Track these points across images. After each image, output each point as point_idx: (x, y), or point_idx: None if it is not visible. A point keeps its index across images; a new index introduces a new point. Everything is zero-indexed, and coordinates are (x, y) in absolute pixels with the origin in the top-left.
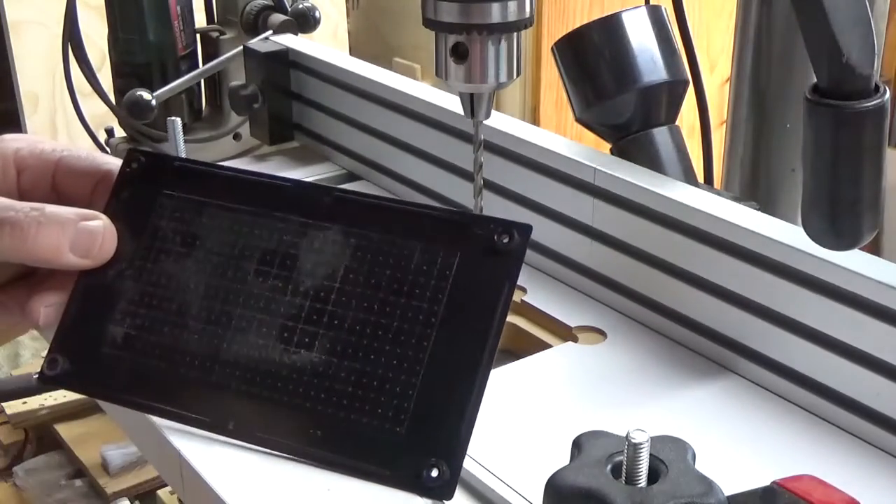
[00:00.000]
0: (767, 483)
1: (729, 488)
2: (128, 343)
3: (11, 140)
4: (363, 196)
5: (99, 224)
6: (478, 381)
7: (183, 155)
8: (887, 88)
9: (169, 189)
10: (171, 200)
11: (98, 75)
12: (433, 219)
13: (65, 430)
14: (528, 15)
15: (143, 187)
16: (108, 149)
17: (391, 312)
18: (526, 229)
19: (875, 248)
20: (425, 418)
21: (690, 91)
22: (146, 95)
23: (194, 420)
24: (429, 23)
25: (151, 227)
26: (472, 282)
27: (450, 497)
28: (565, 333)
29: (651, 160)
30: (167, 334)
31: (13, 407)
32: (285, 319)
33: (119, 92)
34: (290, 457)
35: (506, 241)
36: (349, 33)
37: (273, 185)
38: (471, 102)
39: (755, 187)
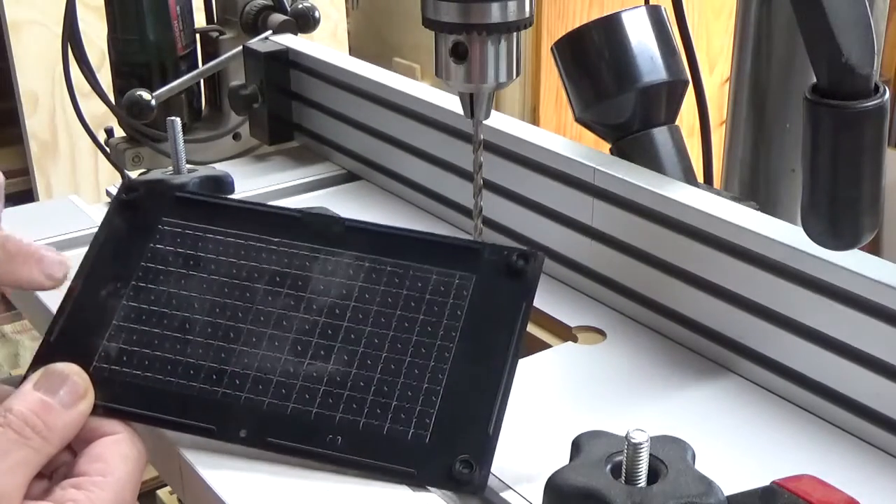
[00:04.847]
0: (767, 483)
1: (729, 488)
2: (122, 358)
3: None
4: (373, 225)
5: None
6: (503, 385)
7: (183, 155)
8: (887, 88)
9: (169, 217)
10: (170, 228)
11: (98, 75)
12: (446, 246)
13: None
14: (527, 15)
15: (141, 215)
16: (107, 149)
17: (410, 327)
18: (540, 257)
19: (875, 248)
20: (451, 422)
21: (690, 91)
22: (146, 95)
23: (200, 429)
24: (429, 23)
25: (149, 251)
26: (490, 300)
27: (482, 491)
28: (565, 333)
29: (651, 160)
30: (168, 349)
31: None
32: (298, 334)
33: (119, 92)
34: (307, 461)
35: (521, 263)
36: (349, 33)
37: (280, 215)
38: (470, 102)
39: (755, 187)
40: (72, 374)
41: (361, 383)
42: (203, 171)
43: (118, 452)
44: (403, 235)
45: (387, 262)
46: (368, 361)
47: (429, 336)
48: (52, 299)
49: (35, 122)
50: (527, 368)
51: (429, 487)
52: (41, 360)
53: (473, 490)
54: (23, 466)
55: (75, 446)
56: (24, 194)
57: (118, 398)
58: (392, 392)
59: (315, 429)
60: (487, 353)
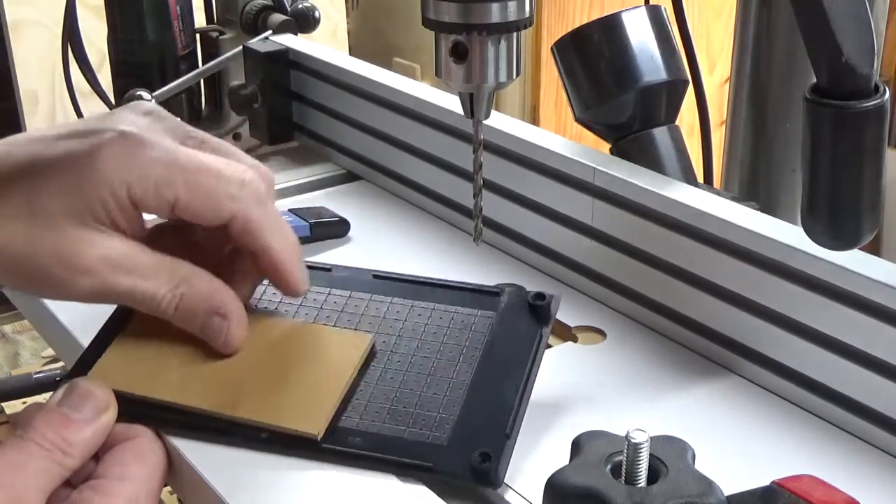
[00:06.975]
0: (767, 483)
1: (729, 488)
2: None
3: (114, 176)
4: (399, 275)
5: (222, 323)
6: (521, 393)
7: None
8: (887, 88)
9: None
10: None
11: (98, 75)
12: (467, 291)
13: None
14: (527, 15)
15: None
16: None
17: (432, 350)
18: (557, 296)
19: (875, 248)
20: (470, 424)
21: (690, 91)
22: (146, 95)
23: (222, 432)
24: (429, 22)
25: None
26: (510, 330)
27: (499, 483)
28: (565, 333)
29: (651, 160)
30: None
31: (13, 407)
32: None
33: (119, 92)
34: (311, 462)
35: (539, 301)
36: (349, 33)
37: (310, 269)
38: (470, 102)
39: (755, 187)
40: (95, 389)
41: (383, 395)
42: None
43: (137, 455)
44: (427, 283)
45: (411, 304)
46: (390, 377)
47: (450, 357)
48: (61, 309)
49: (35, 122)
50: None
51: (443, 488)
52: (74, 375)
53: (491, 482)
54: (43, 476)
55: (99, 452)
56: None
57: (140, 410)
58: (413, 402)
59: (336, 432)
60: (507, 369)
